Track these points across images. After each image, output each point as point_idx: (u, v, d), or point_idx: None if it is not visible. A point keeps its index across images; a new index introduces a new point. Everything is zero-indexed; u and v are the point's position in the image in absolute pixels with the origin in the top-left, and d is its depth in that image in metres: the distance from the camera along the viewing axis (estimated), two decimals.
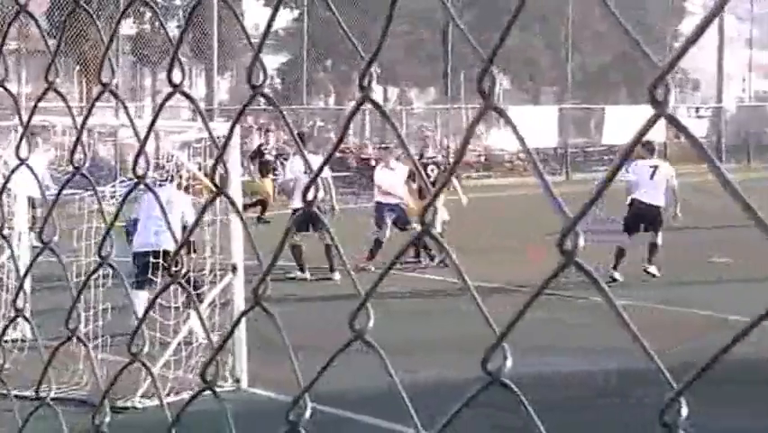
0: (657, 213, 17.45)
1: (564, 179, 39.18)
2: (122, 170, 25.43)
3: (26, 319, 2.32)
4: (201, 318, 2.64)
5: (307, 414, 1.59)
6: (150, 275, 11.84)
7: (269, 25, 1.72)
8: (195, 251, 11.09)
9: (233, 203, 1.94)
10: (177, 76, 1.78)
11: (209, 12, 32.29)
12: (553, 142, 42.32)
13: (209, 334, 2.52)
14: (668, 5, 47.44)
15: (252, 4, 34.89)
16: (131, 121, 2.16)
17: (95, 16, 2.08)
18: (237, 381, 11.15)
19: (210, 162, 12.21)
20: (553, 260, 1.21)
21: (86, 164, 2.07)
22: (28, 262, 8.54)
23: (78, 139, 2.08)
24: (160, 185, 12.12)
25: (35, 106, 2.22)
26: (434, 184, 25.44)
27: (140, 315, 2.00)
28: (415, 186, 18.50)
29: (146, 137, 1.96)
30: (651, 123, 1.15)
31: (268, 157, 28.17)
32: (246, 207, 24.62)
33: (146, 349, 1.98)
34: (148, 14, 38.47)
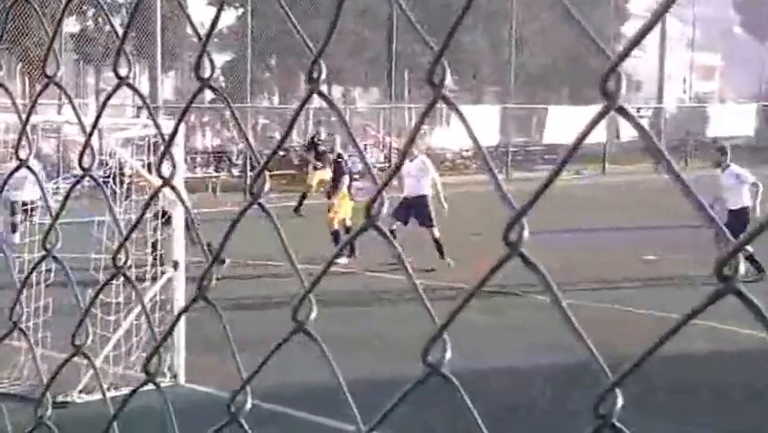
0: None
1: (505, 177, 39.52)
2: (65, 167, 25.30)
3: None
4: (146, 311, 2.62)
5: (248, 406, 1.59)
6: None
7: (216, 17, 1.70)
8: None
9: (178, 195, 1.93)
10: (123, 69, 1.77)
11: (152, 14, 32.21)
12: (494, 141, 42.62)
13: (153, 327, 2.45)
14: (611, 8, 47.94)
15: (196, 3, 34.76)
16: (75, 112, 2.15)
17: (39, 11, 2.04)
18: (175, 376, 11.22)
19: (154, 159, 12.23)
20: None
21: (31, 159, 2.10)
22: None
23: (23, 133, 2.08)
24: (104, 181, 12.10)
25: None
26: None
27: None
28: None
29: (93, 126, 1.95)
30: (602, 114, 1.15)
31: (322, 148, 27.91)
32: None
33: (89, 342, 1.97)
34: (91, 12, 38.24)
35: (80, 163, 1.91)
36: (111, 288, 9.88)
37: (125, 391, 8.54)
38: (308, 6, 30.90)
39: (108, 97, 1.98)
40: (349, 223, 19.73)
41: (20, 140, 2.10)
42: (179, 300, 11.25)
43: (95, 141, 1.94)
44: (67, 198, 2.14)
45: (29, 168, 2.11)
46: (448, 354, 1.29)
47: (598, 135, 31.06)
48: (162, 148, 1.79)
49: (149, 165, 12.36)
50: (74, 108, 2.28)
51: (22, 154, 2.09)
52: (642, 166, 45.53)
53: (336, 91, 48.18)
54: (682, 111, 58.11)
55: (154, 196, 1.98)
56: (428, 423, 8.82)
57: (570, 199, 22.81)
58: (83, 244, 12.67)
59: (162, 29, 33.45)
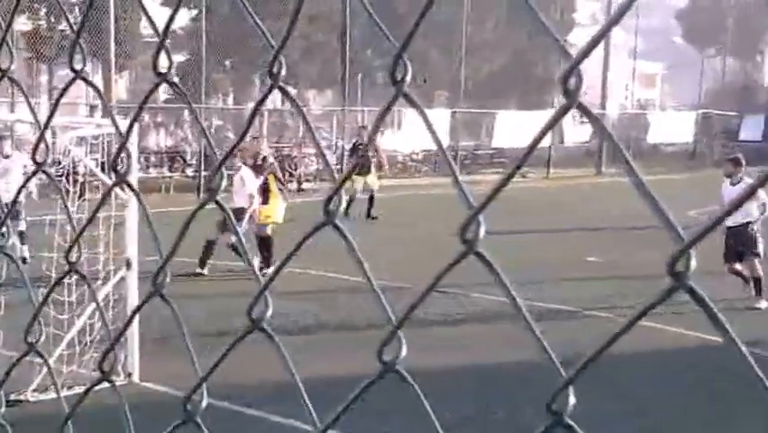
0: None
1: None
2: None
3: None
4: (100, 308, 2.65)
5: (204, 404, 1.57)
6: None
7: (175, 10, 1.64)
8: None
9: (135, 192, 1.96)
10: (78, 62, 1.74)
11: (106, 14, 32.09)
12: (444, 145, 42.70)
13: (108, 324, 2.39)
14: (557, 17, 48.63)
15: (150, 4, 34.65)
16: (30, 107, 2.19)
17: None
18: (129, 375, 11.24)
19: (106, 159, 12.26)
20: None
21: None
22: None
23: None
24: (57, 180, 12.07)
25: None
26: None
27: None
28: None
29: (48, 120, 1.94)
30: (562, 112, 1.14)
31: (362, 152, 27.78)
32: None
33: (41, 340, 1.95)
34: (43, 11, 37.97)
35: (34, 159, 1.90)
36: (64, 286, 9.93)
37: (79, 389, 8.62)
38: (265, 6, 30.95)
39: (64, 91, 1.92)
40: None
41: None
42: (133, 299, 11.30)
43: (48, 138, 1.92)
44: (19, 192, 2.17)
45: None
46: (403, 352, 1.29)
47: (543, 140, 31.48)
48: (117, 145, 1.75)
49: (102, 164, 12.40)
50: (28, 103, 2.28)
51: None
52: (584, 170, 46.07)
53: (290, 92, 47.95)
54: (624, 117, 58.95)
55: (108, 193, 1.96)
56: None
57: (514, 202, 23.04)
58: (35, 241, 12.75)
59: (116, 29, 33.33)
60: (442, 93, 51.98)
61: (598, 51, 52.06)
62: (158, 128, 41.89)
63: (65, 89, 1.89)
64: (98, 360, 1.77)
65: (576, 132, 50.48)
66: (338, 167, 38.68)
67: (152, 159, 38.53)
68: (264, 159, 19.71)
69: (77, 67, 1.74)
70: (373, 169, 26.96)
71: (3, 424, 2.07)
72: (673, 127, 54.99)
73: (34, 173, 1.97)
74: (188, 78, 35.37)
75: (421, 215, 25.96)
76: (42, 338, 1.94)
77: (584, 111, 1.14)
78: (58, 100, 2.05)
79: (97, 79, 37.70)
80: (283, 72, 1.44)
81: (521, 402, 10.27)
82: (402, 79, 1.30)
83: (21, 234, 17.41)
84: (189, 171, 37.52)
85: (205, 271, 18.04)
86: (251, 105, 47.48)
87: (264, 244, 18.26)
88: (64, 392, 9.14)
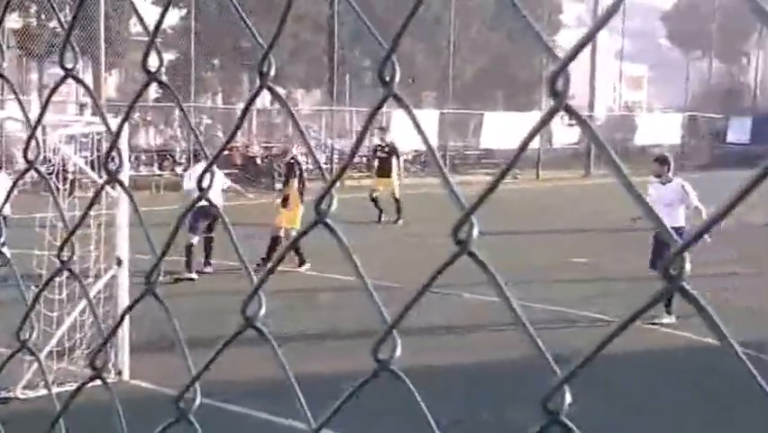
0: None
1: (442, 180, 39.88)
2: (7, 163, 25.07)
3: None
4: (93, 307, 2.62)
5: (197, 402, 1.57)
6: None
7: (166, 8, 1.65)
8: None
9: (126, 190, 1.95)
10: (69, 61, 1.74)
11: (96, 12, 32.05)
12: (432, 145, 42.86)
13: (99, 321, 2.42)
14: (544, 18, 48.77)
15: (141, 3, 34.58)
16: (20, 105, 2.16)
17: None
18: (119, 373, 11.27)
19: (96, 157, 12.27)
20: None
21: None
22: None
23: None
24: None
25: None
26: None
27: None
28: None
29: (39, 118, 1.93)
30: (551, 114, 1.13)
31: (382, 155, 27.64)
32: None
33: (33, 337, 1.95)
34: (34, 8, 37.91)
35: (25, 156, 1.89)
36: (54, 284, 9.91)
37: (69, 386, 8.65)
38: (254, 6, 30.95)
39: (54, 90, 1.91)
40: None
41: None
42: (123, 297, 11.34)
43: (38, 136, 1.91)
44: (12, 190, 2.18)
45: None
46: (398, 352, 1.29)
47: (532, 142, 31.51)
48: (108, 144, 1.77)
49: (92, 162, 12.41)
50: (19, 101, 2.26)
51: None
52: (573, 172, 46.18)
53: (279, 92, 47.94)
54: (611, 119, 59.10)
55: (100, 191, 1.94)
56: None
57: (504, 204, 23.12)
58: (25, 239, 12.67)
59: (106, 27, 33.29)
60: (429, 93, 52.06)
61: (585, 53, 52.18)
62: (147, 127, 41.85)
63: (55, 88, 1.90)
64: (90, 357, 1.77)
65: (564, 133, 50.64)
66: (327, 166, 38.70)
67: (142, 157, 38.50)
68: (294, 160, 19.35)
69: (69, 66, 1.74)
70: (394, 174, 26.90)
71: None
72: (660, 129, 55.12)
73: (26, 171, 1.96)
74: (178, 76, 35.37)
75: (410, 215, 26.01)
76: (35, 336, 1.95)
77: (572, 113, 1.14)
78: (48, 99, 2.04)
79: (87, 78, 37.66)
80: (272, 72, 1.45)
81: (511, 402, 10.32)
82: (391, 80, 1.30)
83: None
84: (179, 170, 37.51)
85: (194, 276, 17.88)
86: (240, 104, 47.51)
87: (275, 245, 18.33)
88: (55, 389, 9.17)
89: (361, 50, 46.87)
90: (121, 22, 37.13)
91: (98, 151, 12.28)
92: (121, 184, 1.79)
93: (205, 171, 1.54)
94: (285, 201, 18.85)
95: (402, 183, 27.53)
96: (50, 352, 10.73)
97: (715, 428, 10.40)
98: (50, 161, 12.26)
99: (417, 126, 1.34)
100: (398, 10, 40.56)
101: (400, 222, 26.16)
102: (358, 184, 31.67)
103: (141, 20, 1.76)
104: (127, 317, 7.37)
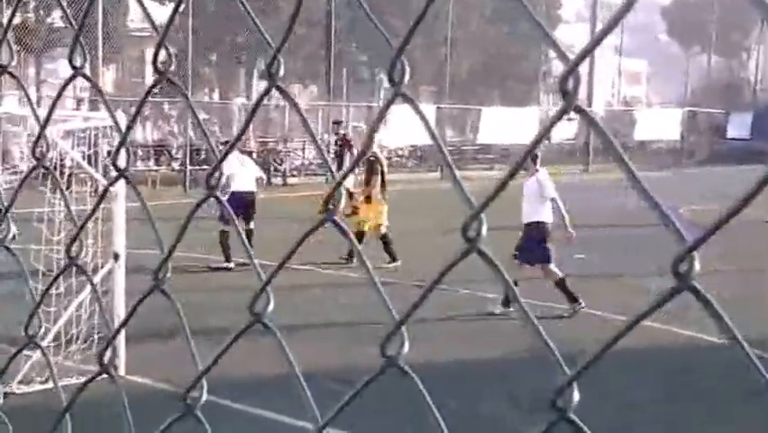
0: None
1: (439, 175, 39.88)
2: (4, 160, 25.00)
3: None
4: (100, 302, 2.62)
5: (204, 398, 1.56)
6: None
7: (177, 7, 1.70)
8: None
9: (133, 187, 1.92)
10: (77, 59, 1.75)
11: (93, 8, 31.97)
12: (429, 140, 42.91)
13: (106, 317, 2.46)
14: (543, 14, 48.72)
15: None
16: (29, 101, 2.21)
17: None
18: (116, 368, 11.21)
19: (93, 152, 12.24)
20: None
21: None
22: None
23: None
24: (44, 174, 12.03)
25: None
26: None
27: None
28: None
29: (48, 117, 1.94)
30: (561, 113, 1.14)
31: (335, 148, 27.69)
32: None
33: (41, 332, 1.96)
34: (32, 4, 37.87)
35: (34, 153, 1.91)
36: (49, 279, 9.82)
37: (66, 381, 8.61)
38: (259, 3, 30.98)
39: (63, 88, 1.92)
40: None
41: None
42: (120, 292, 11.31)
43: (35, 131, 1.93)
44: (20, 186, 2.16)
45: None
46: (406, 348, 1.29)
47: (530, 138, 31.64)
48: (113, 140, 1.73)
49: (89, 157, 12.37)
50: (29, 99, 2.29)
51: None
52: (572, 167, 46.15)
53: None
54: (610, 114, 59.01)
55: (112, 184, 1.96)
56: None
57: (502, 199, 23.11)
58: (23, 234, 12.61)
59: (103, 23, 33.27)
60: (426, 88, 52.05)
61: (582, 48, 52.09)
62: (144, 122, 41.86)
63: (65, 86, 1.90)
64: (98, 352, 1.77)
65: (562, 129, 50.69)
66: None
67: (139, 152, 38.51)
68: (375, 157, 19.32)
69: (77, 63, 1.74)
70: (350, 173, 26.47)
71: (4, 421, 2.05)
72: (660, 124, 55.06)
73: (34, 168, 1.95)
74: (175, 72, 35.31)
75: (407, 210, 25.95)
76: (41, 331, 1.95)
77: (582, 113, 1.14)
78: (57, 97, 2.04)
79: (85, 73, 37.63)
80: (281, 72, 1.47)
81: (508, 398, 10.33)
82: (400, 80, 1.31)
83: None
84: (175, 165, 37.53)
85: (231, 264, 17.94)
86: (236, 99, 47.55)
87: (360, 240, 18.04)
88: (50, 384, 9.13)
89: (358, 45, 46.86)
90: (118, 17, 37.09)
91: (95, 146, 12.25)
92: (128, 181, 1.81)
93: (218, 164, 1.55)
94: (368, 198, 19.23)
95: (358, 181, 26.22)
96: (47, 346, 10.69)
97: (713, 426, 10.39)
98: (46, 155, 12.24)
99: (426, 124, 1.36)
100: (398, 4, 40.74)
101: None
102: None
103: (148, 17, 1.76)
104: (122, 312, 7.34)
